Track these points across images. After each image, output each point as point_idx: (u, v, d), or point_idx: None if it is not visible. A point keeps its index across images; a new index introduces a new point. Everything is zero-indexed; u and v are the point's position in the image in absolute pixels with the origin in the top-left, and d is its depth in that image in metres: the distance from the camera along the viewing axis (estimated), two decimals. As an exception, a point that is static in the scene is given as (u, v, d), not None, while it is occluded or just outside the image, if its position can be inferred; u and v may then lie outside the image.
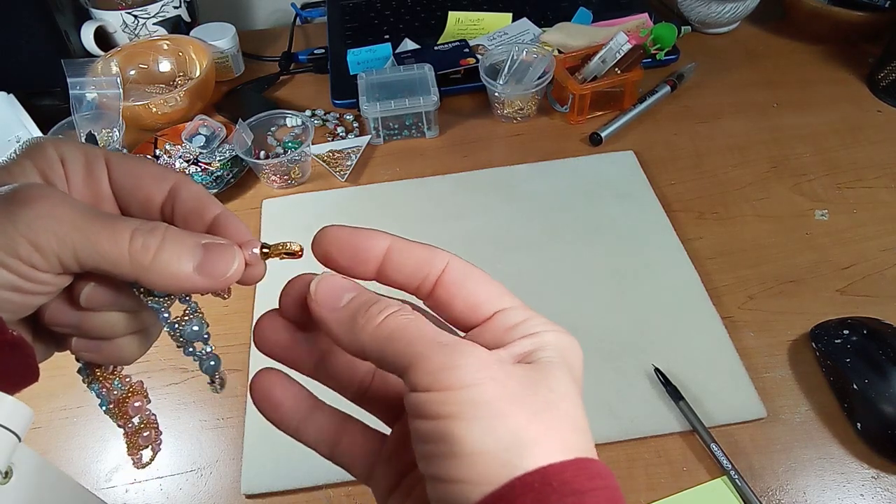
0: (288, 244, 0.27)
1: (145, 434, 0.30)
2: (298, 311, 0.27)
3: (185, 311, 0.28)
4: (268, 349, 0.28)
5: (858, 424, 0.52)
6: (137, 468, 0.31)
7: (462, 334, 0.26)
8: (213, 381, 0.29)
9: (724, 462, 0.50)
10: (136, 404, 0.30)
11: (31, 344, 0.25)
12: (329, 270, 0.26)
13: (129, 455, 0.30)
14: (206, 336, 0.28)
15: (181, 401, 0.59)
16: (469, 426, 0.21)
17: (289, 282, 0.27)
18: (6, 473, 0.34)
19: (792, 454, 0.52)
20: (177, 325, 0.27)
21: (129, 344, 0.27)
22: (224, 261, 0.25)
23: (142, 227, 0.24)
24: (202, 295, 0.27)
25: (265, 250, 0.27)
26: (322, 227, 0.26)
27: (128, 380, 0.30)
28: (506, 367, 0.22)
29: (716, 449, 0.51)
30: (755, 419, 0.54)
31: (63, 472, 0.41)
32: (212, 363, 0.29)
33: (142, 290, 0.26)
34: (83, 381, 0.29)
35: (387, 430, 0.29)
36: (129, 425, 0.30)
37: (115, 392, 0.29)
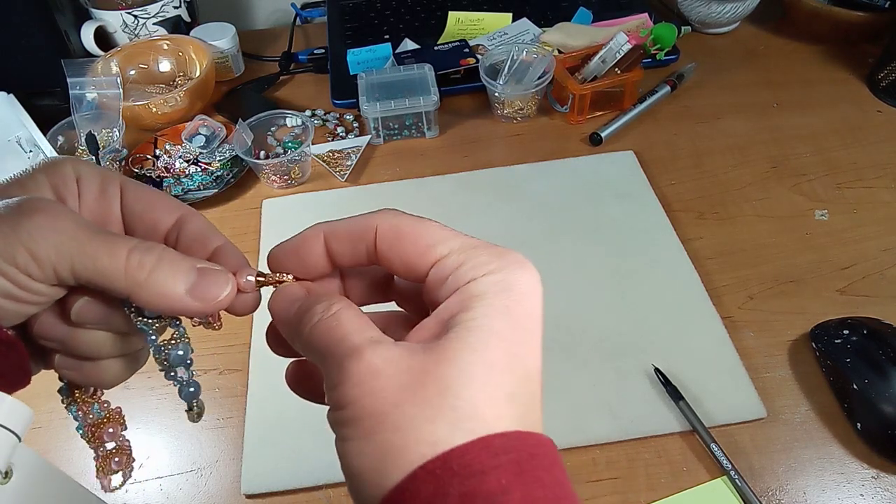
0: (282, 275, 0.27)
1: (117, 459, 0.30)
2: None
3: (172, 335, 0.28)
4: (273, 343, 0.29)
5: (858, 424, 0.52)
6: (106, 492, 0.31)
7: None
8: (190, 409, 0.30)
9: (724, 462, 0.50)
10: (111, 430, 0.30)
11: (24, 346, 0.25)
12: None
13: (97, 478, 0.30)
14: (189, 361, 0.29)
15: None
16: (349, 448, 0.21)
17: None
18: (6, 473, 0.34)
19: (792, 454, 0.52)
20: (163, 349, 0.28)
21: (112, 367, 0.27)
22: (217, 285, 0.25)
23: (140, 245, 0.24)
24: (193, 325, 0.27)
25: (260, 278, 0.27)
26: (270, 250, 0.27)
27: (106, 405, 0.30)
28: (391, 369, 0.22)
29: (716, 449, 0.51)
30: (755, 419, 0.54)
31: (63, 472, 0.41)
32: (191, 390, 0.29)
33: (133, 309, 0.27)
34: (62, 401, 0.29)
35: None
36: (102, 450, 0.30)
37: (92, 416, 0.29)
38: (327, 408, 0.23)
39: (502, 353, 0.22)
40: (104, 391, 0.30)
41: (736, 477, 0.50)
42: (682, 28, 0.91)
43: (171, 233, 0.27)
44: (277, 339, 0.28)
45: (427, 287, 0.25)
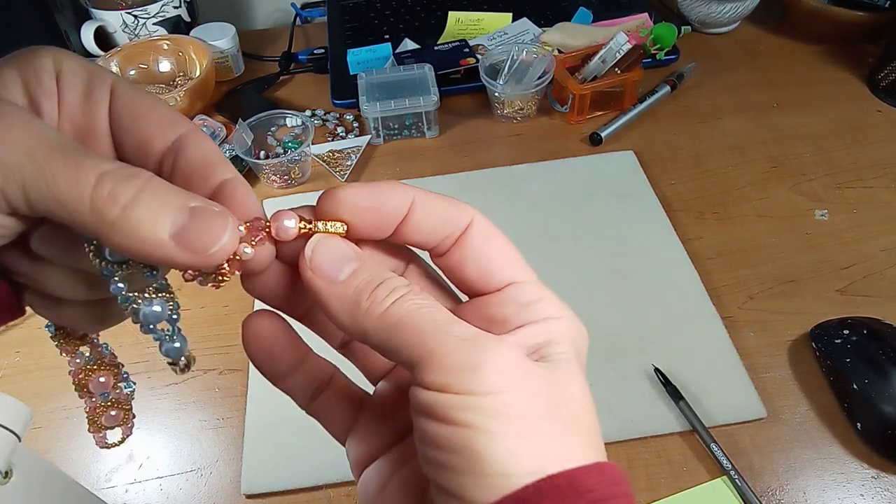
0: (334, 224, 0.22)
1: (112, 413, 0.27)
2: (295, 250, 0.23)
3: (148, 286, 0.22)
4: (258, 291, 0.24)
5: (858, 424, 0.52)
6: (99, 447, 0.27)
7: (466, 299, 0.24)
8: (175, 363, 0.23)
9: (724, 462, 0.50)
10: (101, 380, 0.26)
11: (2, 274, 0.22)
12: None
13: (89, 432, 0.27)
14: (174, 318, 0.22)
15: (181, 401, 0.59)
16: (493, 444, 0.19)
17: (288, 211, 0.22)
18: (6, 473, 0.34)
19: (792, 454, 0.52)
20: (133, 301, 0.21)
21: (88, 311, 0.24)
22: (209, 231, 0.20)
23: (117, 171, 0.19)
24: (185, 280, 0.21)
25: (304, 225, 0.22)
26: (331, 189, 0.22)
27: (99, 350, 0.26)
28: (530, 371, 0.20)
29: (716, 449, 0.51)
30: (755, 419, 0.54)
31: (63, 472, 0.41)
32: (175, 345, 0.23)
33: (93, 246, 0.21)
34: (51, 338, 0.25)
35: (370, 389, 0.28)
36: (92, 400, 0.26)
37: (79, 361, 0.26)
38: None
39: (588, 391, 0.22)
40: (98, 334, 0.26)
41: (736, 477, 0.50)
42: (682, 28, 0.91)
43: (166, 157, 0.22)
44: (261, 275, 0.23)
45: (494, 300, 0.23)
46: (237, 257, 0.21)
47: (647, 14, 0.92)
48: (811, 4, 0.91)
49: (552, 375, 0.21)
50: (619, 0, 0.98)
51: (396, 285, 0.21)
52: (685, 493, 0.50)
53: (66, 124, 0.21)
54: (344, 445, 0.27)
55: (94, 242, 0.21)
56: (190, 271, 0.21)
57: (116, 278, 0.21)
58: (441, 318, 0.20)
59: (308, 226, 0.22)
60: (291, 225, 0.22)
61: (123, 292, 0.21)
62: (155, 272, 0.22)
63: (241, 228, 0.21)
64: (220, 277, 0.21)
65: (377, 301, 0.21)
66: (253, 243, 0.21)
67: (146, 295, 0.22)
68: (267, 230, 0.22)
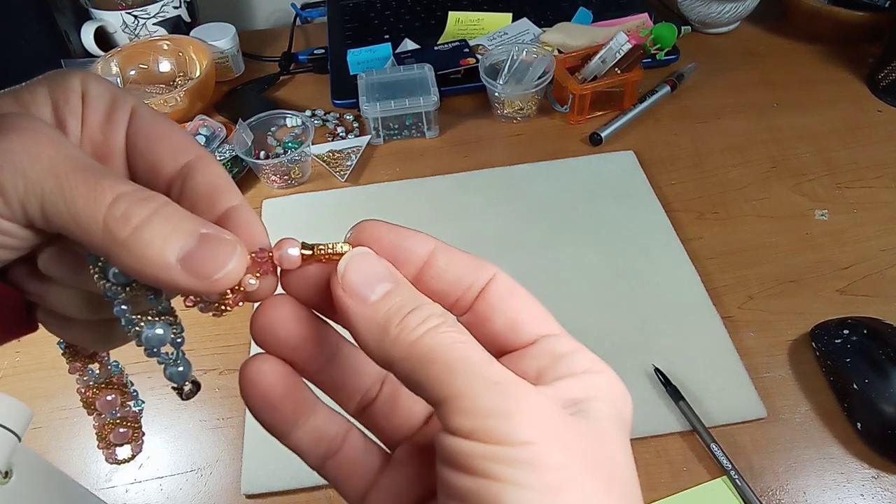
0: (332, 245, 0.22)
1: (121, 430, 0.27)
2: (317, 290, 0.22)
3: (151, 309, 0.22)
4: (269, 343, 0.23)
5: (858, 424, 0.52)
6: (109, 463, 0.28)
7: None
8: (180, 388, 0.24)
9: (724, 462, 0.50)
10: (108, 398, 0.26)
11: (15, 291, 0.22)
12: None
13: (98, 448, 0.27)
14: (178, 341, 0.23)
15: (181, 401, 0.59)
16: (522, 498, 0.17)
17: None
18: (6, 473, 0.34)
19: (792, 454, 0.52)
20: (136, 323, 0.21)
21: (94, 331, 0.23)
22: (216, 258, 0.19)
23: (133, 192, 0.19)
24: (186, 306, 0.22)
25: (307, 251, 0.21)
26: (361, 220, 0.22)
27: (108, 369, 0.26)
28: (567, 424, 0.19)
29: (716, 449, 0.51)
30: (755, 419, 0.54)
31: (63, 472, 0.41)
32: (179, 369, 0.23)
33: (98, 267, 0.21)
34: (62, 355, 0.26)
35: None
36: (101, 417, 0.26)
37: (87, 378, 0.26)
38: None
39: (631, 454, 0.20)
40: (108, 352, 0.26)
41: (736, 477, 0.50)
42: (682, 28, 0.91)
43: (174, 182, 0.22)
44: (273, 323, 0.23)
45: (527, 354, 0.22)
46: (241, 288, 0.21)
47: (647, 14, 0.92)
48: (811, 4, 0.91)
49: (592, 432, 0.19)
50: (619, 0, 0.98)
51: (431, 313, 0.20)
52: (685, 493, 0.50)
53: (86, 143, 0.22)
54: None
55: (100, 263, 0.21)
56: (192, 297, 0.21)
57: (120, 300, 0.21)
58: (475, 356, 0.19)
59: (311, 252, 0.21)
60: (295, 253, 0.21)
61: (127, 314, 0.21)
62: (159, 296, 0.22)
63: (294, 252, 0.21)
64: (223, 307, 0.21)
65: (408, 329, 0.19)
66: (257, 274, 0.21)
67: (149, 318, 0.22)
68: (271, 259, 0.21)
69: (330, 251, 0.21)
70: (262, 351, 0.23)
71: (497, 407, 0.18)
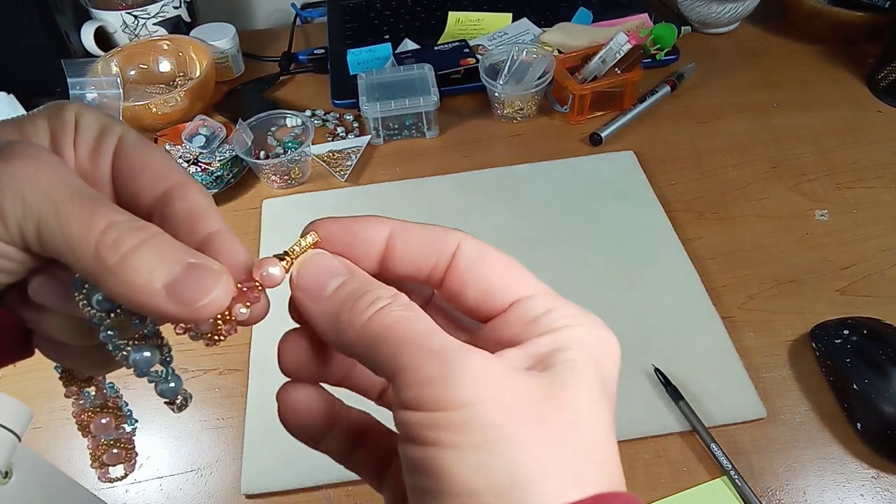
0: (299, 243, 0.22)
1: (114, 452, 0.27)
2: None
3: (136, 332, 0.22)
4: (294, 372, 0.24)
5: (858, 424, 0.52)
6: (102, 481, 0.28)
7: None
8: (171, 402, 0.24)
9: (724, 462, 0.50)
10: (103, 422, 0.26)
11: (12, 316, 0.23)
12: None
13: (91, 467, 0.27)
14: (167, 360, 0.23)
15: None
16: (458, 458, 0.17)
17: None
18: (6, 473, 0.34)
19: (792, 454, 0.52)
20: (122, 348, 0.22)
21: (87, 356, 0.24)
22: (202, 286, 0.20)
23: (126, 222, 0.20)
24: (177, 333, 0.22)
25: (285, 261, 0.22)
26: (312, 220, 0.23)
27: (104, 392, 0.26)
28: (513, 381, 0.19)
29: (716, 449, 0.51)
30: (755, 419, 0.54)
31: (63, 472, 0.41)
32: (170, 385, 0.24)
33: (83, 293, 0.21)
34: (59, 378, 0.26)
35: None
36: (95, 438, 0.27)
37: (82, 402, 0.26)
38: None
39: (604, 404, 0.20)
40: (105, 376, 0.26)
41: (736, 477, 0.50)
42: (682, 28, 0.91)
43: (154, 209, 0.22)
44: (290, 356, 0.24)
45: (502, 321, 0.22)
46: (233, 318, 0.21)
47: (647, 14, 0.92)
48: (811, 4, 0.91)
49: (545, 385, 0.19)
50: (619, 0, 0.98)
51: (379, 295, 0.20)
52: (685, 493, 0.50)
53: (77, 173, 0.22)
54: (382, 494, 0.25)
55: (84, 290, 0.21)
56: (181, 325, 0.21)
57: (105, 326, 0.21)
58: (420, 328, 0.19)
59: (288, 258, 0.22)
60: (276, 271, 0.22)
61: (114, 339, 0.21)
62: (144, 320, 0.22)
63: (274, 270, 0.21)
64: (216, 337, 0.22)
65: (357, 312, 0.20)
66: (248, 304, 0.21)
67: (135, 342, 0.22)
68: (258, 286, 0.22)
69: (300, 249, 0.22)
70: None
71: (436, 374, 0.18)
